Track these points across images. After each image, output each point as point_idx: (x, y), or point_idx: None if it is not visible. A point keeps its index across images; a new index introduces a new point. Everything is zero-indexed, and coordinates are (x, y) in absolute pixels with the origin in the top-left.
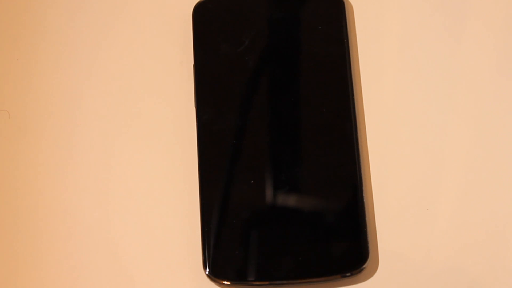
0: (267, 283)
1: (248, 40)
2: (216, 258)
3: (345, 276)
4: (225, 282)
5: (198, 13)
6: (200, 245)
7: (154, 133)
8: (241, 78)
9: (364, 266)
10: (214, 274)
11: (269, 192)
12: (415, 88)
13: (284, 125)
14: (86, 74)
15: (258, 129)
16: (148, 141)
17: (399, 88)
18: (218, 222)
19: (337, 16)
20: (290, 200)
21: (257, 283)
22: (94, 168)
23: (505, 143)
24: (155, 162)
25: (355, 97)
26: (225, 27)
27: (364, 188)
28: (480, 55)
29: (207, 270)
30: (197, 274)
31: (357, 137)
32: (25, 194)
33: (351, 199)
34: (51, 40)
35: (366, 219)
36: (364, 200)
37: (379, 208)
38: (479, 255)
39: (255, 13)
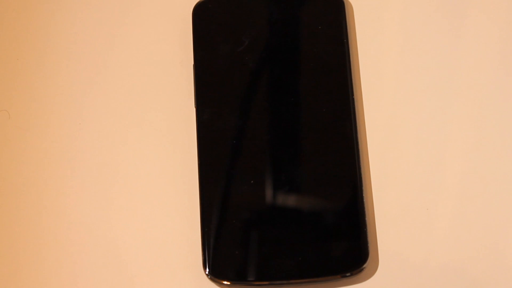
0: (267, 283)
1: (248, 40)
2: (216, 258)
3: (345, 276)
4: (225, 282)
5: (198, 13)
6: (200, 245)
7: (154, 133)
8: (241, 78)
9: (364, 266)
10: (214, 274)
11: (269, 192)
12: (415, 88)
13: (284, 125)
14: (86, 74)
15: (258, 129)
16: (148, 141)
17: (399, 88)
18: (218, 222)
19: (337, 16)
20: (290, 200)
21: (257, 283)
22: (94, 168)
23: (505, 143)
24: (155, 162)
25: (355, 97)
26: (225, 27)
27: (364, 188)
28: (480, 55)
29: (207, 270)
30: (197, 274)
31: (357, 137)
32: (26, 194)
33: (351, 199)
34: (51, 40)
35: (366, 219)
36: (364, 200)
37: (379, 208)
38: (479, 255)
39: (255, 13)
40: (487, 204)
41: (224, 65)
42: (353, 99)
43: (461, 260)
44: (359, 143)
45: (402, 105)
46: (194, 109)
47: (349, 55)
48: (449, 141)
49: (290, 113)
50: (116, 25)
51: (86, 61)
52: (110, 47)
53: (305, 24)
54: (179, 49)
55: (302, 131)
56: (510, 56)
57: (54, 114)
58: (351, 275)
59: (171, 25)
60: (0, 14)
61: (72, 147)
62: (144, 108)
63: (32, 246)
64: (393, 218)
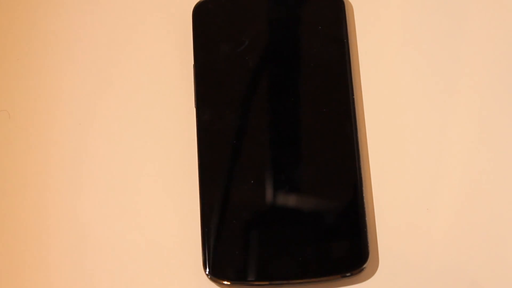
0: (267, 283)
1: (248, 40)
2: (216, 258)
3: (345, 276)
4: (225, 282)
5: (198, 13)
6: (200, 245)
7: (155, 133)
8: (241, 78)
9: (364, 266)
10: (214, 274)
11: (269, 192)
12: (415, 88)
13: (284, 125)
14: (86, 74)
15: (258, 129)
16: (148, 141)
17: (399, 88)
18: (218, 222)
19: (337, 16)
20: (290, 200)
21: (257, 283)
22: (94, 168)
23: (505, 143)
24: (155, 162)
25: (355, 97)
26: (225, 27)
27: (364, 188)
28: (481, 54)
29: (207, 270)
30: (197, 274)
31: (357, 137)
32: (25, 195)
33: (351, 199)
34: (51, 40)
35: (366, 219)
36: (364, 200)
37: (379, 208)
38: (479, 255)
39: (255, 13)
40: (488, 204)
41: (224, 65)
42: (353, 99)
43: (461, 260)
44: (359, 143)
45: (402, 105)
46: (194, 109)
47: (349, 55)
48: (450, 141)
49: (290, 113)
50: (116, 25)
51: (86, 61)
52: (110, 47)
53: (305, 24)
54: (179, 49)
55: (302, 131)
56: (510, 55)
57: (54, 114)
58: (351, 275)
59: (171, 25)
60: (0, 14)
61: (72, 148)
62: (144, 108)
63: (32, 247)
64: (393, 218)
